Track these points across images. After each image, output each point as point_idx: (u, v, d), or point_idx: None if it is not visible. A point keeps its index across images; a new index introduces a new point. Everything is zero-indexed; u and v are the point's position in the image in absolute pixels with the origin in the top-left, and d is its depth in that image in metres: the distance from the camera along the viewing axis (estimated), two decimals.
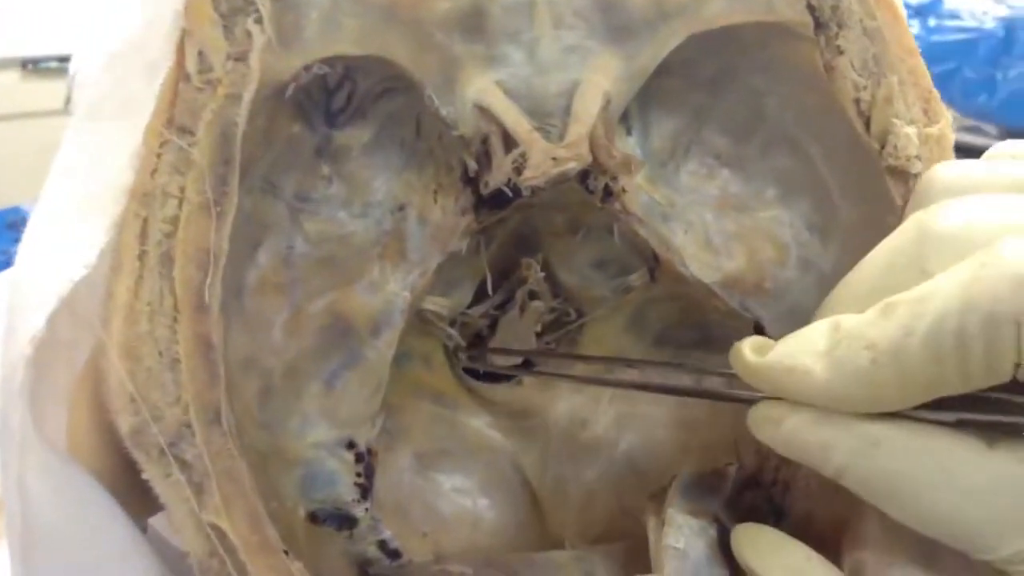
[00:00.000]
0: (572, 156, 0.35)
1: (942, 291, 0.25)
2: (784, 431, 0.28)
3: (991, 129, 1.44)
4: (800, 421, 0.28)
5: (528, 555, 0.38)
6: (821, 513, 0.36)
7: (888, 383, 0.26)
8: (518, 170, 0.35)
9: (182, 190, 0.30)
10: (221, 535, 0.29)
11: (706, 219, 0.40)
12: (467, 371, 0.45)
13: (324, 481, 0.36)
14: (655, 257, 0.40)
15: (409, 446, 0.43)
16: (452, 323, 0.43)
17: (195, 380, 0.29)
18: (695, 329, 0.44)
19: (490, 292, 0.42)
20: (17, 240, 0.32)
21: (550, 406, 0.45)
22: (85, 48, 0.34)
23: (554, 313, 0.45)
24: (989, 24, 1.43)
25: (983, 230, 0.26)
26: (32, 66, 1.76)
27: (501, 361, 0.45)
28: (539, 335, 0.45)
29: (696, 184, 0.41)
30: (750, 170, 0.40)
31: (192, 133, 0.30)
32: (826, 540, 0.34)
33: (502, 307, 0.44)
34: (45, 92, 1.68)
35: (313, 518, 0.35)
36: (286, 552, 0.29)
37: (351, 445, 0.37)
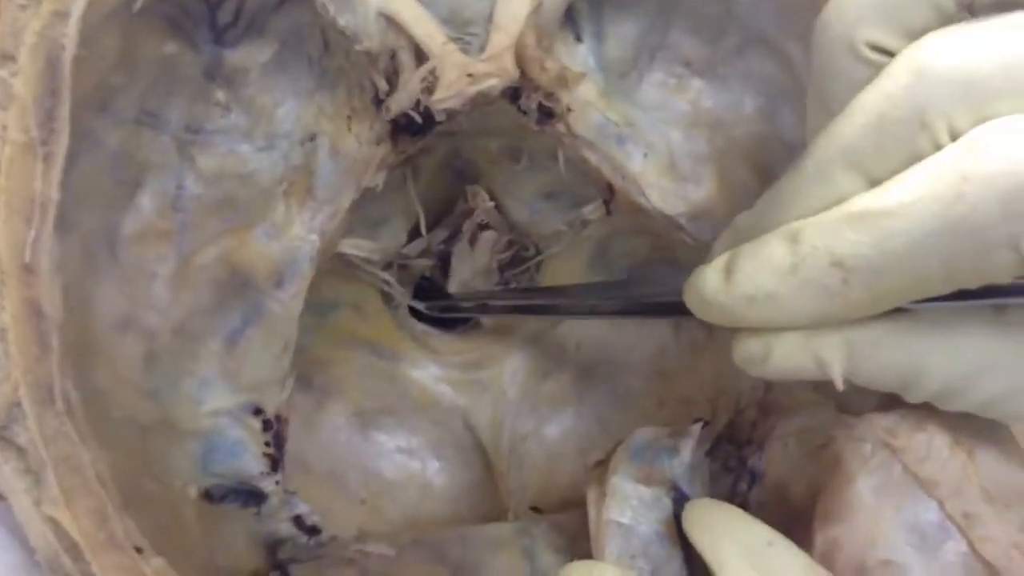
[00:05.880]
0: (493, 71, 0.30)
1: (918, 208, 0.22)
2: (774, 365, 0.26)
3: None
4: (787, 349, 0.25)
5: (462, 530, 0.34)
6: (797, 480, 0.31)
7: (862, 301, 0.24)
8: (429, 90, 0.30)
9: (3, 128, 0.25)
10: (62, 531, 0.25)
11: (671, 140, 0.34)
12: (415, 316, 0.40)
13: (226, 453, 0.32)
14: (609, 187, 0.34)
15: (344, 404, 0.38)
16: (388, 266, 0.38)
17: (24, 353, 0.25)
18: (667, 265, 0.38)
19: (423, 232, 0.37)
20: None
21: (507, 355, 0.40)
22: None
23: (511, 249, 0.39)
24: None
25: (994, 66, 0.21)
26: None
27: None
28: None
29: (662, 98, 0.35)
30: (724, 77, 0.34)
31: (14, 59, 0.25)
32: (801, 513, 0.29)
33: (448, 243, 0.39)
34: None
35: (208, 496, 0.31)
36: (139, 550, 0.25)
37: (258, 411, 0.32)
